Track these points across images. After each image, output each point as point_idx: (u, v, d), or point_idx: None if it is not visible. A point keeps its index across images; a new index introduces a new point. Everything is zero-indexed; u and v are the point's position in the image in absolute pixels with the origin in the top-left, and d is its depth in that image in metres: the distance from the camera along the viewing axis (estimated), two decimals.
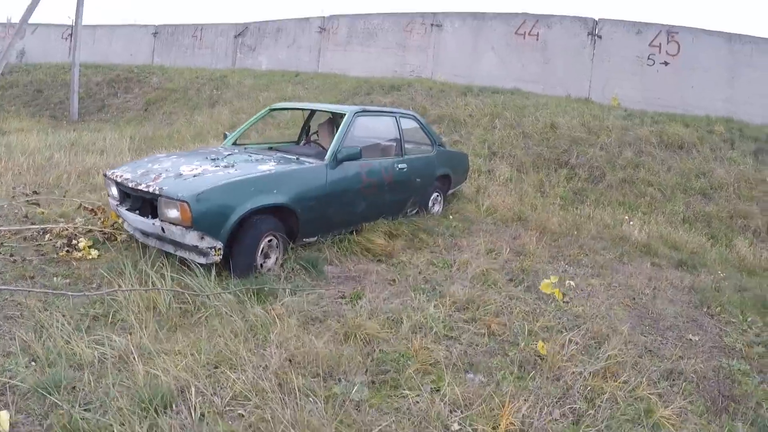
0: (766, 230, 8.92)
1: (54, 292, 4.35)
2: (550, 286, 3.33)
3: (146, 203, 5.03)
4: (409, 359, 3.92)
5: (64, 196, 6.87)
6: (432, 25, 16.62)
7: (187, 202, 4.52)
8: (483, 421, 3.28)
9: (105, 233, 5.76)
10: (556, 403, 3.61)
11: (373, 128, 7.27)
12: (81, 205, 6.29)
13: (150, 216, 4.93)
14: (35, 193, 6.86)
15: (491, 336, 4.47)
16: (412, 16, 17.11)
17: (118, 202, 5.38)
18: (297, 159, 5.99)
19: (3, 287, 4.31)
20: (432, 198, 7.98)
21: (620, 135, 11.50)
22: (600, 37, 14.43)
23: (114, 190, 5.42)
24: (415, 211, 7.55)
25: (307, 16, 19.22)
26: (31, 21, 16.12)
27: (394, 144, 7.30)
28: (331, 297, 4.96)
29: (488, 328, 4.55)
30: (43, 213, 6.26)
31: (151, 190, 4.79)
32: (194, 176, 5.00)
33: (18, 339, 3.63)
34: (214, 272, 4.74)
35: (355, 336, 4.13)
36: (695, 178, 10.35)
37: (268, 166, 5.50)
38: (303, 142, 8.19)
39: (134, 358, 3.46)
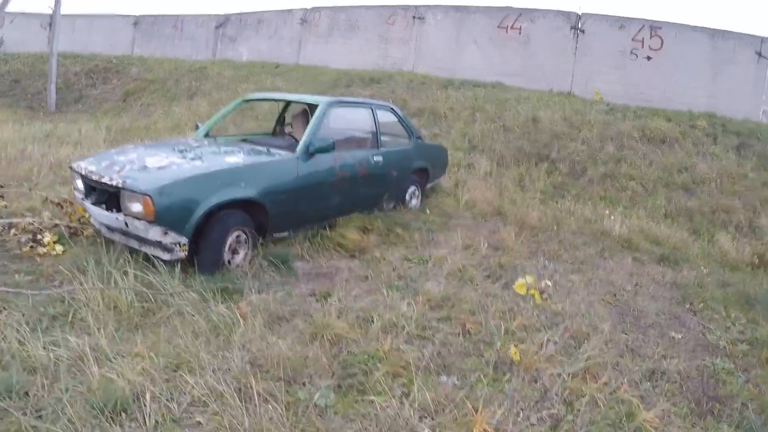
0: (748, 225, 8.85)
1: (11, 290, 4.12)
2: (524, 286, 3.12)
3: (112, 197, 4.78)
4: (379, 361, 3.71)
5: (30, 190, 6.60)
6: (414, 17, 16.45)
7: (149, 196, 4.33)
8: (455, 427, 3.07)
9: (71, 228, 5.53)
10: (533, 407, 3.41)
11: (348, 120, 7.10)
12: (47, 198, 6.02)
13: (115, 210, 4.70)
14: (0, 186, 6.58)
15: (466, 336, 4.26)
16: (395, 8, 16.95)
17: (84, 196, 5.14)
18: (267, 151, 5.78)
19: None
20: (409, 192, 7.80)
21: (602, 129, 11.40)
22: (583, 31, 14.35)
23: (79, 183, 5.18)
24: (391, 205, 7.36)
25: (289, 8, 19.05)
26: (9, 10, 15.75)
27: (370, 136, 7.13)
28: (301, 295, 4.73)
29: (463, 328, 4.34)
30: (6, 207, 6.00)
31: (114, 183, 4.59)
32: (159, 169, 4.80)
33: None
34: (178, 269, 4.53)
35: (323, 337, 3.92)
36: (677, 173, 10.27)
37: (236, 159, 5.31)
38: (277, 133, 7.95)
39: (90, 360, 3.25)
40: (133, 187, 4.45)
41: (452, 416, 3.16)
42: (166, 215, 4.41)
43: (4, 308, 3.89)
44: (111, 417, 2.83)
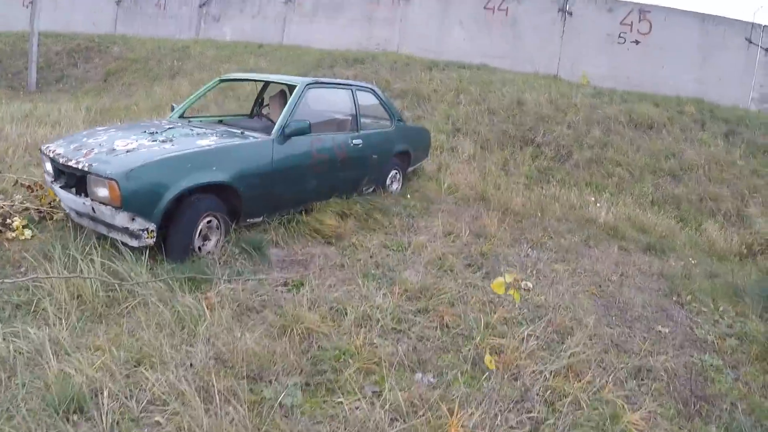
0: (736, 214, 8.70)
1: None
2: (502, 285, 2.90)
3: (80, 181, 4.59)
4: (351, 357, 3.52)
5: (1, 172, 6.32)
6: None
7: (115, 180, 4.13)
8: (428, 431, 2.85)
9: (41, 212, 5.29)
10: (513, 408, 3.21)
11: (326, 102, 6.90)
12: (17, 181, 5.78)
13: (83, 195, 4.50)
14: None
15: (444, 329, 4.07)
16: None
17: (53, 179, 4.94)
18: (241, 133, 5.53)
19: None
20: (390, 176, 7.58)
21: (588, 113, 11.23)
22: (570, 13, 14.18)
23: (49, 166, 4.99)
24: (371, 189, 7.16)
25: None
26: None
27: (350, 118, 6.91)
28: (273, 284, 4.51)
29: (441, 320, 4.14)
30: None
31: (80, 166, 4.40)
32: (127, 152, 4.57)
33: None
34: (145, 256, 4.29)
35: (293, 330, 3.70)
36: (665, 159, 10.11)
37: (208, 141, 5.06)
38: (255, 115, 7.70)
39: (48, 354, 3.09)
40: (99, 171, 4.25)
41: (425, 419, 2.96)
42: (133, 200, 4.21)
43: None
44: (66, 416, 2.69)
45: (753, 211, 8.69)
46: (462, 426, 2.89)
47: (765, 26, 12.89)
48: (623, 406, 3.29)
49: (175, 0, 20.90)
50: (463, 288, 4.76)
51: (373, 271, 4.94)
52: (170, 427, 2.72)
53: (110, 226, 4.41)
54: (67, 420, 2.67)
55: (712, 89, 12.74)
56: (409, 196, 7.47)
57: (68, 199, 4.65)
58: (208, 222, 4.85)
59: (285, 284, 4.57)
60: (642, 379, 3.74)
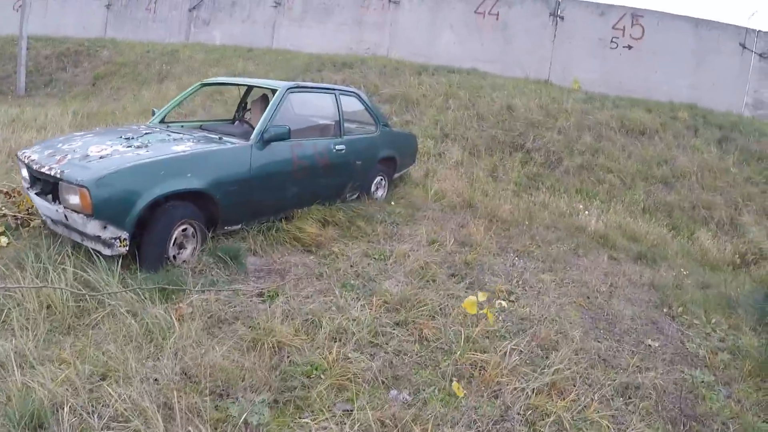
0: (729, 222, 8.54)
1: None
2: (474, 305, 2.73)
3: (54, 188, 4.53)
4: (323, 372, 3.36)
5: None
6: (389, 1, 15.98)
7: (86, 187, 4.03)
8: None
9: (18, 219, 5.23)
10: (492, 428, 3.03)
11: (309, 106, 6.76)
12: None
13: (57, 201, 4.42)
14: None
15: (423, 343, 3.89)
16: None
17: (29, 185, 4.86)
18: (219, 139, 5.40)
19: None
20: (375, 182, 7.40)
21: (579, 119, 11.06)
22: (562, 18, 14.07)
23: (25, 172, 4.91)
24: (355, 196, 6.99)
25: None
26: None
27: (333, 124, 6.74)
28: (248, 294, 4.35)
29: (420, 334, 3.96)
30: None
31: (52, 173, 4.32)
32: (100, 158, 4.47)
33: None
34: (117, 266, 4.17)
35: (264, 344, 3.55)
36: (657, 166, 9.95)
37: (183, 147, 4.91)
38: (237, 120, 7.54)
39: (13, 366, 3.01)
40: (70, 177, 4.16)
41: None
42: (105, 208, 4.11)
43: None
44: (26, 431, 2.63)
45: (747, 220, 8.52)
46: None
47: (759, 31, 12.83)
48: (608, 426, 3.12)
49: (165, 4, 20.91)
50: (445, 299, 4.57)
51: (352, 281, 4.78)
52: None
53: (83, 234, 4.32)
54: None
55: (706, 95, 12.65)
56: (393, 203, 7.27)
57: (43, 206, 4.58)
58: (184, 230, 4.73)
59: (260, 295, 4.40)
60: (629, 397, 3.55)
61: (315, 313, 4.05)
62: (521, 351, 3.83)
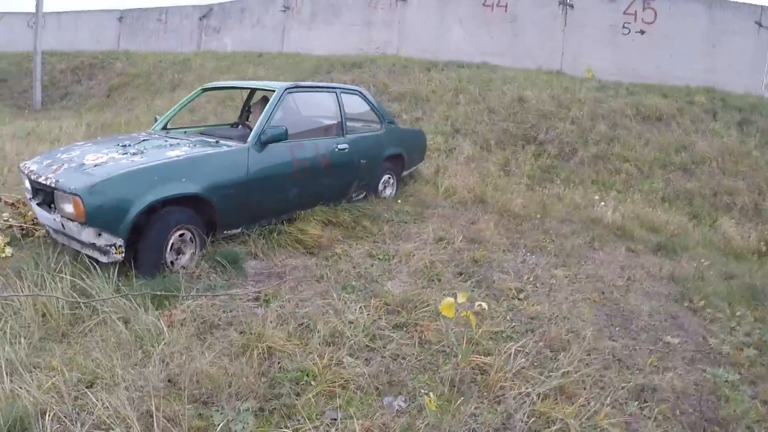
0: (753, 208, 8.18)
1: None
2: (452, 308, 2.52)
3: (52, 197, 4.57)
4: (314, 379, 3.21)
5: None
6: None
7: (79, 195, 4.05)
8: None
9: (24, 229, 5.32)
10: None
11: (309, 106, 6.71)
12: (1, 198, 5.76)
13: (54, 210, 4.48)
14: None
15: (423, 345, 3.70)
16: None
17: (31, 196, 4.89)
18: (216, 142, 5.31)
19: None
20: (383, 180, 7.24)
21: (593, 108, 10.75)
22: (572, 6, 13.77)
23: (27, 184, 4.94)
24: (362, 196, 6.86)
25: None
26: None
27: (335, 123, 6.59)
28: (244, 298, 4.23)
29: (421, 336, 3.77)
30: None
31: (48, 182, 4.38)
32: (95, 166, 4.49)
33: None
34: (114, 272, 4.17)
35: (254, 349, 3.42)
36: (675, 153, 9.61)
37: (178, 152, 4.84)
38: (239, 124, 7.46)
39: (3, 373, 3.03)
40: (64, 186, 4.20)
41: None
42: (98, 215, 4.11)
43: None
44: None
45: None
46: None
47: None
48: None
49: (176, 14, 21.34)
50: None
51: (353, 283, 4.64)
52: None
53: (80, 242, 4.33)
54: None
55: (723, 77, 12.27)
56: (401, 201, 7.09)
57: (43, 216, 4.63)
58: (181, 235, 4.67)
59: (256, 299, 4.29)
60: (645, 401, 3.31)
61: (310, 316, 3.93)
62: (528, 353, 3.61)
